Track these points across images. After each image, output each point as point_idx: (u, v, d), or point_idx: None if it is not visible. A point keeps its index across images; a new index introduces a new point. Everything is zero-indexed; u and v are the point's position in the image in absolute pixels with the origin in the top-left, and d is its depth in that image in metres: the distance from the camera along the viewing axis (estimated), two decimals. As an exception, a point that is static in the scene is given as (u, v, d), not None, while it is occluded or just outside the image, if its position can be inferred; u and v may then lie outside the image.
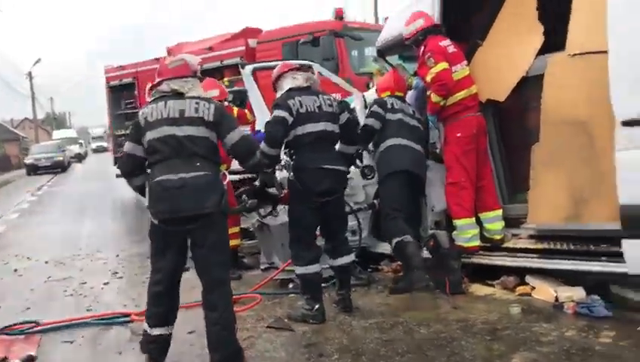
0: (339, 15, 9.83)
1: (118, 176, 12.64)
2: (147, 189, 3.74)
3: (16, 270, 7.61)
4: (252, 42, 10.77)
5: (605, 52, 4.05)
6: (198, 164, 3.65)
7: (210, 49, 11.33)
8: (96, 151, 49.61)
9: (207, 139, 3.73)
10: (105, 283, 6.49)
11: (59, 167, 31.79)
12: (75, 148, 43.57)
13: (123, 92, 14.26)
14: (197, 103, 3.74)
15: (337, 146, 4.85)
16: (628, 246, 4.01)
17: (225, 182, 3.89)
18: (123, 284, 6.47)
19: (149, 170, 3.80)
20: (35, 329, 4.93)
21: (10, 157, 43.05)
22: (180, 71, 3.83)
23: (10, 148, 45.98)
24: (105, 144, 47.15)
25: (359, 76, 9.32)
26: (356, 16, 13.94)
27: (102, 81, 14.77)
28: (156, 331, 3.80)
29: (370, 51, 10.23)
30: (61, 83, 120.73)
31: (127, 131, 4.34)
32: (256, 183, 5.08)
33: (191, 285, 4.35)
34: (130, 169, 3.88)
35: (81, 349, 4.57)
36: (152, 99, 3.81)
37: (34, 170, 31.52)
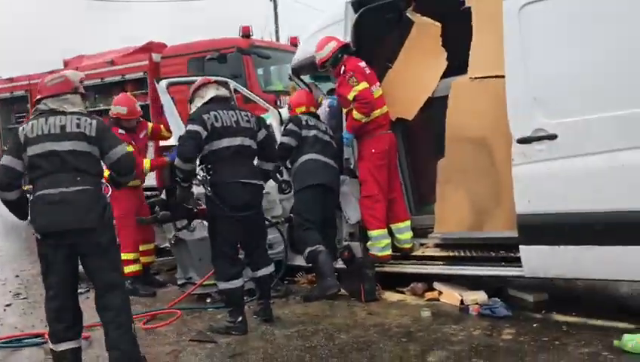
0: (245, 33, 9.83)
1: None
2: (29, 204, 3.69)
3: None
4: (156, 57, 10.59)
5: (503, 76, 4.50)
6: (79, 178, 3.66)
7: (112, 63, 11.01)
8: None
9: (89, 153, 3.74)
10: (7, 305, 6.15)
11: None
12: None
13: (14, 105, 13.45)
14: (78, 119, 3.75)
15: (255, 162, 4.93)
16: (524, 251, 4.44)
17: (108, 195, 3.91)
18: (28, 305, 6.14)
19: (30, 186, 3.76)
20: None
21: None
22: (59, 88, 3.83)
23: None
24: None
25: (267, 94, 9.45)
26: (263, 36, 13.99)
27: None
28: (62, 346, 3.72)
29: (277, 70, 10.40)
30: None
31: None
32: (162, 196, 5.04)
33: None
34: (7, 182, 3.76)
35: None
36: (32, 116, 3.80)
37: None
